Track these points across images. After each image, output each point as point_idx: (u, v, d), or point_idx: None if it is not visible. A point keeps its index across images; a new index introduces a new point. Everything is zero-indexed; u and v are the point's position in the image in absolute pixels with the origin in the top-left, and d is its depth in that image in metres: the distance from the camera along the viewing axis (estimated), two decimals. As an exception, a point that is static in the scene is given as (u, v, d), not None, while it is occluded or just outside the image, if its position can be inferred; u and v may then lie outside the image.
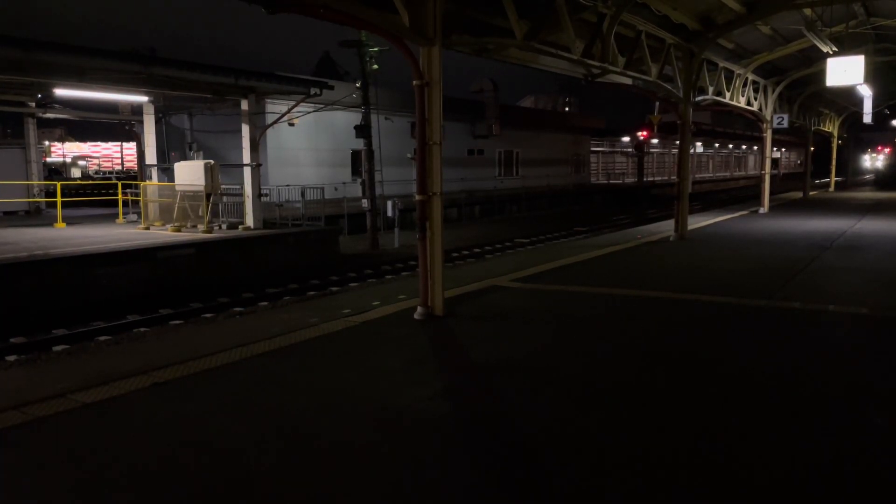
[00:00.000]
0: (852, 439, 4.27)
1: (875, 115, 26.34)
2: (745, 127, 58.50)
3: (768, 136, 22.39)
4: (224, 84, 16.81)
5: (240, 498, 3.59)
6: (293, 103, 18.74)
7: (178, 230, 17.00)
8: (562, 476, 3.80)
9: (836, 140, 37.91)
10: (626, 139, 56.25)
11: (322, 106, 21.60)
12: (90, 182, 38.68)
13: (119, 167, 56.12)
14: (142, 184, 19.53)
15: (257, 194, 18.15)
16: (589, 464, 3.94)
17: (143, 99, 18.42)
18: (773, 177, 26.95)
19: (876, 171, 49.39)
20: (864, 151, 57.97)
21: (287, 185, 21.60)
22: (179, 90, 16.90)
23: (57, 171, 45.01)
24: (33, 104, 20.80)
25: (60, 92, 16.39)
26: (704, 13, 13.38)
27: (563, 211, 38.23)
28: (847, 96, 26.78)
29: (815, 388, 5.25)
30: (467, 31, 9.18)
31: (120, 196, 20.08)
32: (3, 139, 32.43)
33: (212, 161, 17.59)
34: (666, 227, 16.91)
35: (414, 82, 7.43)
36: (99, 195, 28.34)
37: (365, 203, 22.42)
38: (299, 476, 3.81)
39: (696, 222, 18.79)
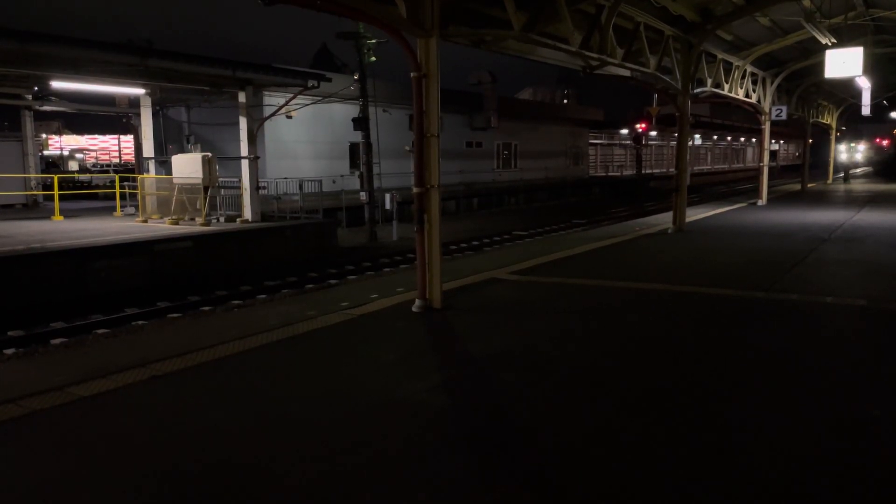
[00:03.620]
0: (851, 431, 4.28)
1: (873, 106, 26.31)
2: (743, 119, 58.44)
3: (767, 128, 22.38)
4: (221, 76, 16.75)
5: (239, 487, 3.59)
6: (291, 95, 18.69)
7: (176, 223, 16.97)
8: (559, 468, 3.80)
9: (834, 132, 37.89)
10: (624, 131, 56.17)
11: (320, 98, 21.55)
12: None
13: (116, 160, 55.92)
14: (139, 177, 19.48)
15: (255, 187, 18.11)
16: (586, 456, 3.94)
17: (140, 91, 18.36)
18: (771, 169, 26.93)
19: (855, 164, 45.70)
20: (840, 141, 51.25)
21: (285, 178, 21.56)
22: (176, 82, 16.84)
23: (54, 164, 44.79)
24: (30, 97, 20.71)
25: (57, 84, 16.34)
26: (703, 4, 13.35)
27: (562, 203, 38.22)
28: (845, 88, 26.75)
29: (813, 381, 5.26)
30: (465, 23, 9.14)
31: (118, 189, 20.05)
32: (-1, 132, 32.32)
33: (209, 154, 17.55)
34: (664, 220, 16.91)
35: (412, 74, 7.40)
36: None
37: (363, 196, 22.39)
38: (298, 467, 3.81)
39: (695, 214, 18.79)
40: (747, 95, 19.78)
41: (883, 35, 18.08)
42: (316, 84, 18.49)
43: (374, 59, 22.15)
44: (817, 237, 13.60)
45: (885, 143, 62.00)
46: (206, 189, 16.93)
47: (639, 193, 42.15)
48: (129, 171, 34.87)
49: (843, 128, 43.36)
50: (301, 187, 20.61)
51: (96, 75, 15.25)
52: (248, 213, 17.99)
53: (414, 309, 7.56)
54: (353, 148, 26.86)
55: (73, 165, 47.40)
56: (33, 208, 21.97)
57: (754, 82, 20.47)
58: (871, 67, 16.60)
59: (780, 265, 10.39)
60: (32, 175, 22.94)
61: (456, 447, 4.09)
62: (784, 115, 22.20)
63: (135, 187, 19.52)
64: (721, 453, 3.96)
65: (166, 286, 13.72)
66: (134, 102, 20.86)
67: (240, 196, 18.40)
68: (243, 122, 17.86)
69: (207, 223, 16.81)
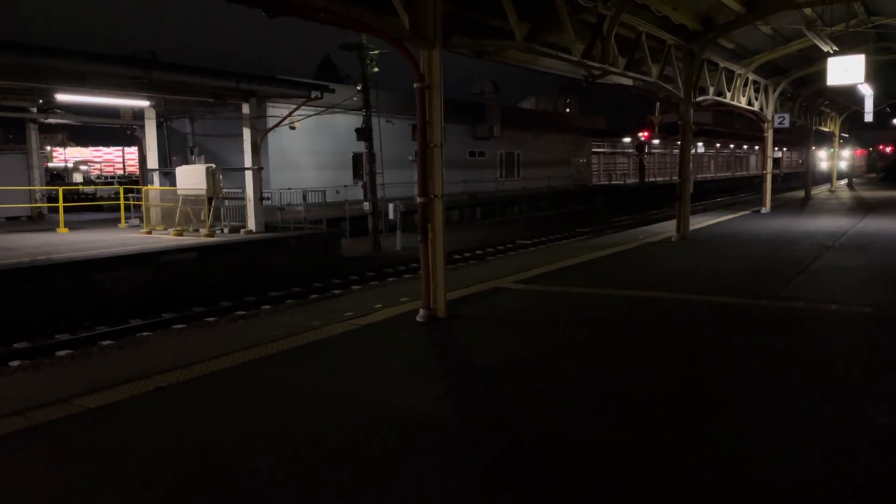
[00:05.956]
0: (855, 440, 4.27)
1: (876, 113, 26.29)
2: (746, 127, 58.49)
3: (769, 135, 22.37)
4: (225, 88, 16.82)
5: (241, 495, 3.59)
6: (294, 107, 18.75)
7: (181, 234, 17.02)
8: (564, 478, 3.80)
9: (837, 139, 37.85)
10: (627, 140, 56.23)
11: (323, 109, 21.62)
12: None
13: (121, 172, 56.17)
14: (144, 188, 19.55)
15: (259, 198, 18.15)
16: (591, 466, 3.94)
17: (145, 103, 18.44)
18: (774, 176, 26.90)
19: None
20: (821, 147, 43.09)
21: (288, 189, 21.61)
22: (180, 94, 16.92)
23: (59, 177, 45.00)
24: (35, 109, 20.81)
25: (62, 97, 16.41)
26: (705, 13, 13.39)
27: (565, 212, 38.22)
28: (848, 95, 26.75)
29: (818, 388, 5.24)
30: (467, 33, 9.18)
31: (122, 201, 20.12)
32: (5, 145, 32.46)
33: (213, 165, 17.61)
34: (668, 228, 16.90)
35: (414, 85, 7.44)
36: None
37: (366, 206, 22.42)
38: (303, 479, 3.81)
39: (698, 222, 18.77)
40: (749, 103, 19.79)
41: (885, 42, 18.10)
42: (319, 95, 18.56)
43: (376, 69, 22.24)
44: (821, 244, 13.57)
45: (888, 149, 62.08)
46: (210, 200, 16.98)
47: (642, 202, 42.12)
48: (133, 182, 34.99)
49: (846, 135, 43.15)
50: (305, 198, 20.65)
51: (101, 88, 15.32)
52: (252, 224, 18.03)
53: (418, 318, 7.56)
54: (357, 158, 26.91)
55: (78, 177, 47.58)
56: (38, 220, 22.04)
57: (756, 90, 20.48)
58: (873, 74, 16.58)
59: (784, 273, 10.37)
60: (37, 187, 23.04)
61: (460, 456, 4.08)
62: (786, 123, 22.17)
63: (139, 199, 19.58)
64: (728, 463, 3.95)
65: (171, 297, 13.74)
66: (138, 114, 20.95)
67: (244, 207, 18.45)
68: (247, 134, 17.93)
69: (212, 234, 16.85)
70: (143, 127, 20.22)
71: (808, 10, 13.57)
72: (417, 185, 7.63)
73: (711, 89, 16.35)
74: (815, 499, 3.54)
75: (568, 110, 62.99)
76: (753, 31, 15.40)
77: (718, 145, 69.49)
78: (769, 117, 21.70)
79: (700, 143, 60.48)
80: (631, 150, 57.48)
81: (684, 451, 4.10)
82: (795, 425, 4.48)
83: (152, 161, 19.80)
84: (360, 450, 4.18)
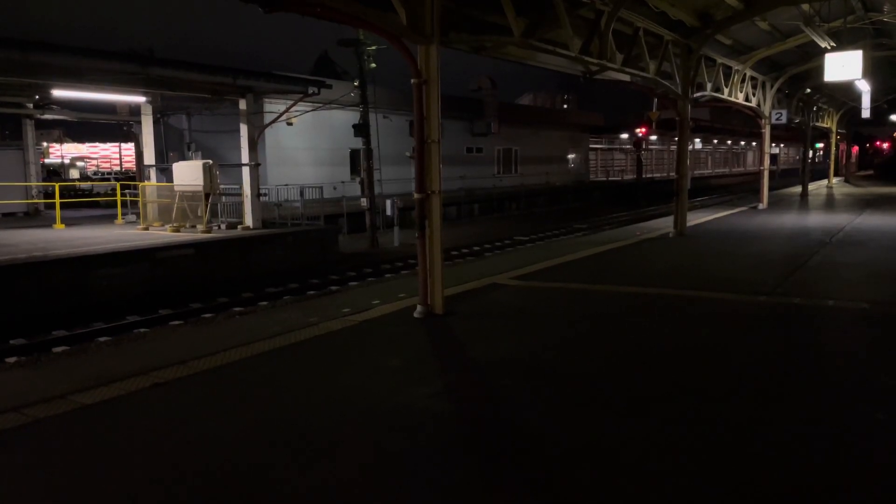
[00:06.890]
0: (854, 438, 4.27)
1: (874, 110, 26.30)
2: (743, 123, 58.51)
3: (767, 132, 22.36)
4: (222, 84, 16.79)
5: (239, 494, 3.58)
6: (291, 102, 18.73)
7: (178, 230, 16.99)
8: (562, 474, 3.80)
9: (834, 135, 37.87)
10: (624, 136, 56.23)
11: (320, 105, 21.57)
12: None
13: (117, 168, 56.09)
14: (140, 184, 19.52)
15: (256, 194, 18.13)
16: (588, 463, 3.94)
17: (141, 99, 18.40)
18: (771, 172, 26.92)
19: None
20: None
21: (286, 185, 21.58)
22: (177, 90, 16.89)
23: (55, 173, 44.92)
24: (31, 105, 20.75)
25: (58, 93, 16.38)
26: (702, 9, 13.37)
27: (563, 208, 38.23)
28: (845, 91, 26.76)
29: (814, 385, 5.25)
30: (465, 29, 9.17)
31: (119, 197, 20.07)
32: (1, 141, 32.39)
33: (210, 161, 17.57)
34: (665, 224, 16.91)
35: (412, 81, 7.42)
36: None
37: (364, 202, 22.41)
38: (302, 476, 3.81)
39: (695, 218, 18.78)
40: (747, 99, 19.78)
41: (882, 38, 18.10)
42: (316, 91, 18.53)
43: (374, 65, 22.21)
44: (819, 241, 13.59)
45: (885, 145, 62.23)
46: (207, 196, 16.94)
47: (639, 198, 42.14)
48: (130, 178, 34.91)
49: (843, 131, 43.18)
50: (302, 194, 20.64)
51: (97, 84, 15.28)
52: (249, 220, 18.01)
53: (416, 315, 7.55)
54: (354, 154, 26.91)
55: (75, 173, 47.48)
56: (35, 217, 21.99)
57: (754, 86, 20.47)
58: (870, 70, 16.59)
59: (781, 269, 10.38)
60: (34, 183, 22.97)
61: (458, 453, 4.08)
62: (784, 119, 22.17)
63: (136, 195, 19.55)
64: (721, 459, 3.95)
65: (168, 293, 13.72)
66: (135, 110, 20.89)
67: (241, 203, 18.42)
68: (244, 130, 17.90)
69: (209, 230, 16.82)
70: (139, 123, 20.15)
71: (805, 6, 13.57)
72: (415, 181, 7.62)
73: (709, 85, 16.35)
74: (812, 498, 3.55)
75: (566, 107, 63.00)
76: (751, 27, 15.39)
77: (716, 141, 69.51)
78: (766, 113, 21.70)
79: (697, 140, 60.47)
80: (628, 147, 57.47)
81: (683, 450, 4.10)
82: (792, 422, 4.48)
83: (149, 157, 19.75)
84: (358, 446, 4.18)
